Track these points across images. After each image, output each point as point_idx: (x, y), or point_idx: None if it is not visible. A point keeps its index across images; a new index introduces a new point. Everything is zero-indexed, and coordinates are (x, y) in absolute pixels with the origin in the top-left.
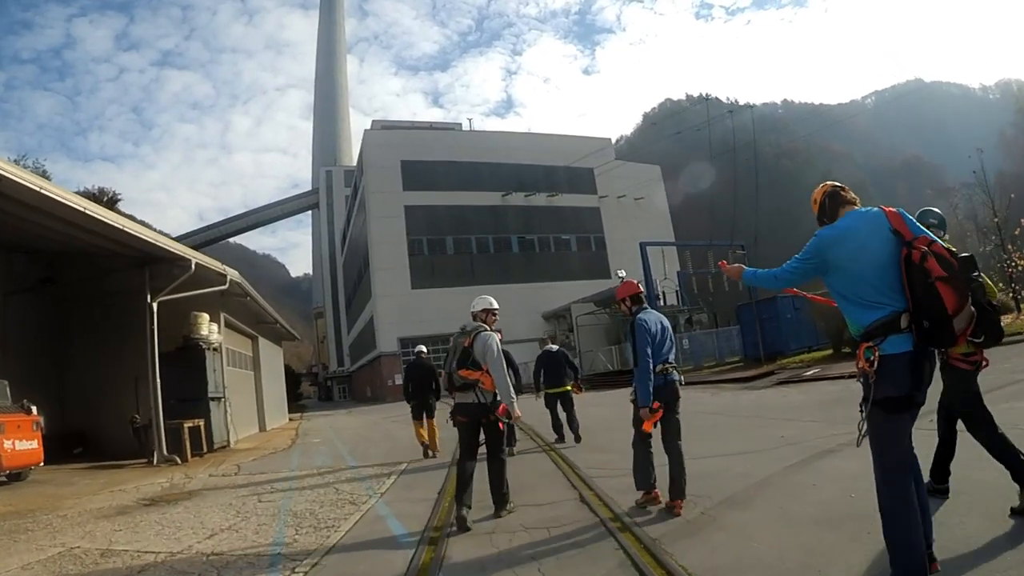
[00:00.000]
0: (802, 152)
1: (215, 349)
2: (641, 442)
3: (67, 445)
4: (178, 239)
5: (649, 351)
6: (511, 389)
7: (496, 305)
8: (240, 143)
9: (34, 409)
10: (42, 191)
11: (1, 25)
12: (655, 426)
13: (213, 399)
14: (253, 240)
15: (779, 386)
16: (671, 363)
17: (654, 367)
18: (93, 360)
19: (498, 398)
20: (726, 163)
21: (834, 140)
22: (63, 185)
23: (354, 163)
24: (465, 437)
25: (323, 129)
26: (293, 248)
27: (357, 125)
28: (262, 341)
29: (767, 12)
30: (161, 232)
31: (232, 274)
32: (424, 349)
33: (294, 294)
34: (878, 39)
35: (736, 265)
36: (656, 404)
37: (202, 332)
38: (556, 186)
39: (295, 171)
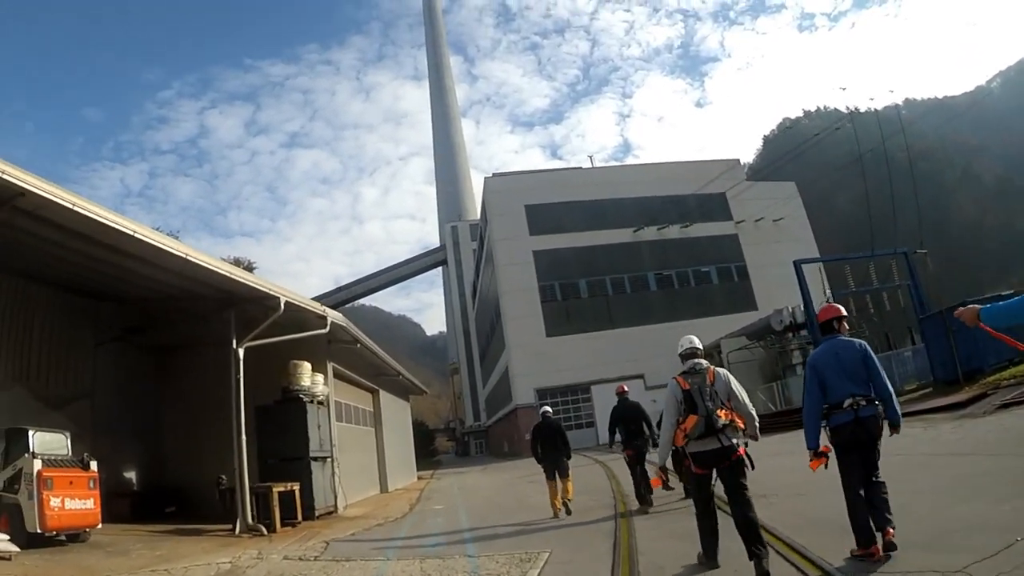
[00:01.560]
0: (936, 151)
1: (320, 402)
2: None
3: (160, 502)
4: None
5: (815, 389)
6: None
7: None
8: (370, 212)
9: (93, 464)
10: (105, 221)
11: (141, 122)
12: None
13: (316, 459)
14: (388, 303)
15: (1003, 410)
16: (862, 396)
17: (841, 401)
18: (187, 412)
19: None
20: (856, 175)
21: (967, 133)
22: None
23: (478, 217)
24: (704, 489)
25: (446, 191)
26: (428, 308)
27: (479, 185)
28: (384, 395)
29: (869, 11)
30: None
31: (334, 316)
32: (549, 409)
33: (431, 352)
34: (989, 15)
35: (969, 307)
36: (825, 447)
37: (303, 383)
38: (688, 215)
39: (424, 235)
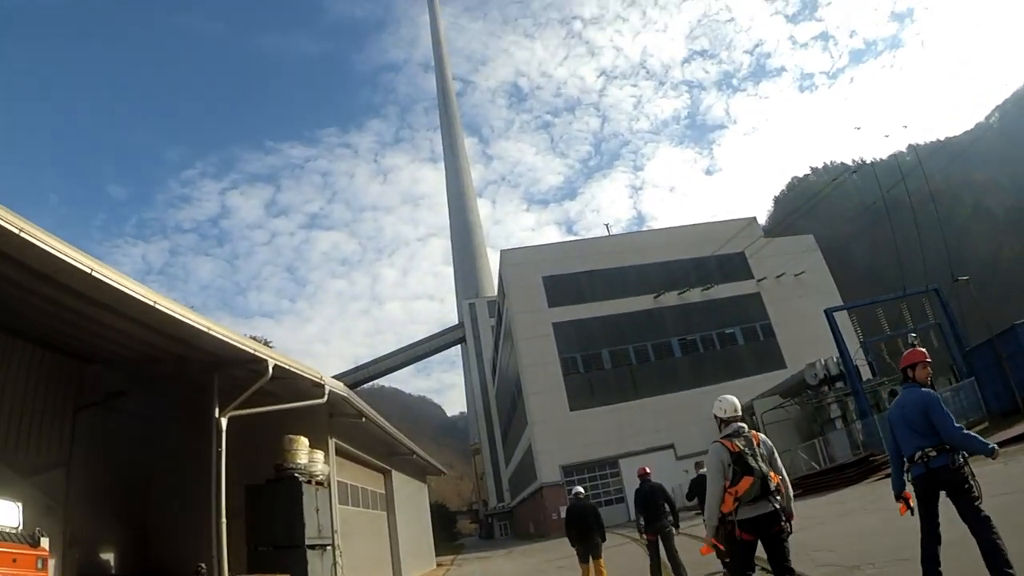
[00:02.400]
0: (944, 191)
1: (319, 482)
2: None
3: None
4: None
5: (892, 440)
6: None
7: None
8: (389, 293)
9: (44, 542)
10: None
11: (164, 200)
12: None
13: (313, 547)
14: (409, 384)
15: None
16: (931, 447)
17: (912, 455)
18: (174, 488)
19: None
20: (867, 225)
21: (973, 170)
22: None
23: (496, 294)
24: (749, 558)
25: (463, 270)
26: (448, 389)
27: (496, 263)
28: (398, 476)
29: (866, 64)
30: None
31: (333, 385)
32: (582, 490)
33: (452, 433)
34: (980, 56)
35: None
36: (907, 493)
37: (299, 460)
38: (709, 277)
39: (443, 315)
